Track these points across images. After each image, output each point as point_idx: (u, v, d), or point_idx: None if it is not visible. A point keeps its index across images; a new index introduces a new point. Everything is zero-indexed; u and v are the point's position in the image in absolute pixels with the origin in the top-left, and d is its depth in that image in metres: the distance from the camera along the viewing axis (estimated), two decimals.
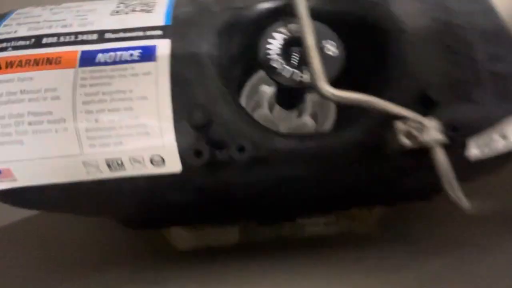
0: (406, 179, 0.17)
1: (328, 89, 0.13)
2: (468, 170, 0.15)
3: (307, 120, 0.23)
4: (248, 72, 0.23)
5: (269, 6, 0.18)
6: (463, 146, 0.14)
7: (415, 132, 0.12)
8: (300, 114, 0.24)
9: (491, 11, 0.16)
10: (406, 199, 0.24)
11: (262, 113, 0.23)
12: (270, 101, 0.24)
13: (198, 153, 0.12)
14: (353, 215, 0.38)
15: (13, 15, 0.16)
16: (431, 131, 0.12)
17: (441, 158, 0.12)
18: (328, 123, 0.23)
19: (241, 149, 0.12)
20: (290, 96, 0.20)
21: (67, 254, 0.29)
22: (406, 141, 0.13)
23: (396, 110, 0.13)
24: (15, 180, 0.14)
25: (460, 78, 0.14)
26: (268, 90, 0.24)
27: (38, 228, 0.30)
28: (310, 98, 0.23)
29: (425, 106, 0.14)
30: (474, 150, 0.16)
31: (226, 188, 0.17)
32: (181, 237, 0.34)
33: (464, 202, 0.12)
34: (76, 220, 0.28)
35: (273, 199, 0.20)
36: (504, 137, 0.16)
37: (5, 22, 0.16)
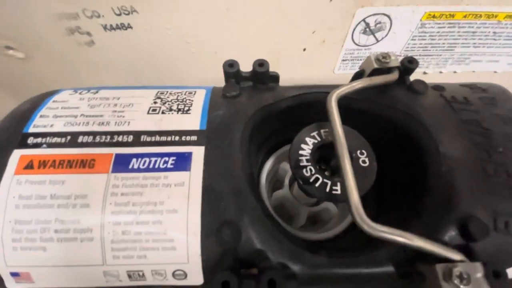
0: None
1: (366, 221, 0.12)
2: None
3: (329, 205, 0.22)
4: (270, 152, 0.23)
5: (301, 101, 0.19)
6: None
7: (457, 280, 0.12)
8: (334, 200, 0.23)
9: None
10: None
11: (283, 193, 0.23)
12: (291, 179, 0.24)
13: (225, 285, 0.12)
14: None
15: (50, 103, 0.16)
16: (477, 279, 0.12)
17: None
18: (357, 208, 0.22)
19: (272, 283, 0.12)
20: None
21: None
22: (446, 286, 0.12)
23: (439, 251, 0.12)
24: (32, 282, 0.14)
25: (501, 209, 0.14)
26: (288, 168, 0.24)
27: None
28: None
29: (464, 237, 0.13)
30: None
31: None
32: None
33: None
34: None
35: None
36: None
37: (41, 112, 0.16)
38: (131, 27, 0.21)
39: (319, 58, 0.24)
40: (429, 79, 0.27)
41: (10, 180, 0.14)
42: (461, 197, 0.14)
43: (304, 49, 0.24)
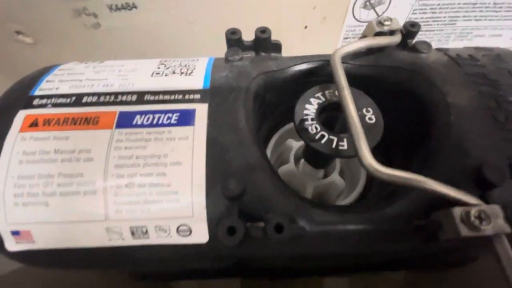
0: (449, 255, 0.15)
1: (376, 167, 0.12)
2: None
3: (336, 178, 0.22)
4: (276, 126, 0.23)
5: (304, 68, 0.19)
6: None
7: (476, 222, 0.11)
8: (327, 171, 0.23)
9: None
10: (443, 267, 0.22)
11: (288, 168, 0.22)
12: (296, 155, 0.24)
13: (231, 231, 0.11)
14: (381, 276, 0.35)
15: (56, 71, 0.17)
16: (498, 221, 0.11)
17: (506, 248, 0.11)
18: (361, 183, 0.22)
19: (279, 228, 0.11)
20: (321, 156, 0.19)
21: None
22: (465, 231, 0.11)
23: (455, 195, 0.11)
24: (33, 242, 0.13)
25: None
26: (294, 144, 0.24)
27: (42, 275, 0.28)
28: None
29: (480, 187, 0.13)
30: None
31: (253, 259, 0.15)
32: None
33: None
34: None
35: (300, 266, 0.18)
36: None
37: (47, 78, 0.16)
38: (135, 7, 0.21)
39: (321, 36, 0.24)
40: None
41: (15, 137, 0.14)
42: (473, 145, 0.13)
43: (306, 27, 0.24)
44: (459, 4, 0.23)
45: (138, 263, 0.15)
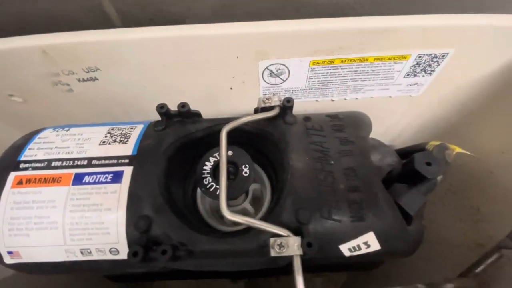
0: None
1: (225, 211, 0.19)
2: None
3: (247, 206, 0.29)
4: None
5: (213, 129, 0.26)
6: (326, 251, 0.20)
7: (278, 248, 0.18)
8: (241, 201, 0.30)
9: (361, 152, 0.23)
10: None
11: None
12: None
13: (135, 254, 0.19)
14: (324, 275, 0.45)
15: (36, 139, 0.24)
16: (293, 247, 0.18)
17: (296, 264, 0.18)
18: (265, 206, 0.29)
19: (164, 252, 0.19)
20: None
21: None
22: (273, 252, 0.19)
23: (271, 229, 0.19)
24: (21, 258, 0.21)
25: (324, 204, 0.20)
26: None
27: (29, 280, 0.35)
28: (252, 188, 0.29)
29: (299, 222, 0.20)
30: (346, 251, 0.21)
31: (159, 270, 0.23)
32: None
33: None
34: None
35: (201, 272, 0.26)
36: (366, 244, 0.21)
37: (30, 146, 0.24)
38: (97, 79, 0.29)
39: (244, 94, 0.32)
40: (336, 105, 0.35)
41: (8, 192, 0.21)
42: (297, 195, 0.21)
43: (231, 88, 0.31)
44: (343, 71, 0.30)
45: (87, 271, 0.22)
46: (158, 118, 0.25)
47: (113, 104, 0.33)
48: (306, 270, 0.33)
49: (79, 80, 0.29)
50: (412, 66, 0.30)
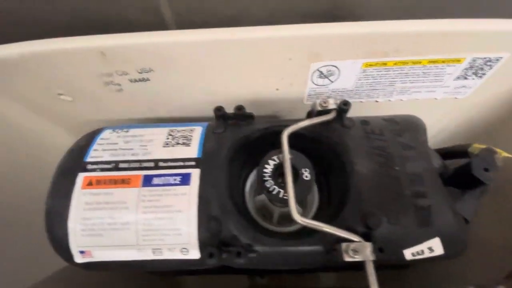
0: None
1: (296, 216, 0.20)
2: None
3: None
4: (252, 167, 0.31)
5: (268, 131, 0.26)
6: (393, 256, 0.21)
7: (352, 253, 0.19)
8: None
9: (422, 156, 0.23)
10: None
11: (261, 198, 0.30)
12: None
13: (210, 255, 0.19)
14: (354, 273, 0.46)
15: (98, 140, 0.25)
16: (366, 252, 0.19)
17: (369, 269, 0.19)
18: (313, 208, 0.29)
19: (239, 254, 0.19)
20: None
21: None
22: (347, 258, 0.19)
23: (342, 234, 0.19)
24: (92, 257, 0.22)
25: (392, 210, 0.21)
26: None
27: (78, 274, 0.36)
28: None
29: (367, 228, 0.21)
30: (409, 255, 0.22)
31: (229, 266, 0.23)
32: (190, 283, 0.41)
33: None
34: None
35: (266, 271, 0.27)
36: (430, 249, 0.22)
37: (94, 147, 0.24)
38: (149, 80, 0.29)
39: (291, 95, 0.32)
40: (380, 106, 0.35)
41: (79, 192, 0.22)
42: (364, 200, 0.21)
43: (277, 89, 0.31)
44: (394, 73, 0.30)
45: (156, 269, 0.23)
46: (196, 116, 0.26)
47: (158, 104, 0.33)
48: (333, 269, 0.33)
49: (131, 80, 0.29)
50: (465, 69, 0.29)
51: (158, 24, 0.29)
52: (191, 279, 0.55)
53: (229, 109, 0.26)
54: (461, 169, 0.25)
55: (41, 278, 0.33)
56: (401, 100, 0.34)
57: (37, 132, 0.35)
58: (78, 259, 0.22)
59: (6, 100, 0.31)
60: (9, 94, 0.31)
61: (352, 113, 0.27)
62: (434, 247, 0.21)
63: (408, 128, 0.24)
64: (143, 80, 0.29)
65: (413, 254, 0.22)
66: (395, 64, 0.29)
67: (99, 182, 0.22)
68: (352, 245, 0.19)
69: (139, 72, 0.28)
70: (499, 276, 0.30)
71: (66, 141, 0.36)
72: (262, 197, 0.31)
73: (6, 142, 0.33)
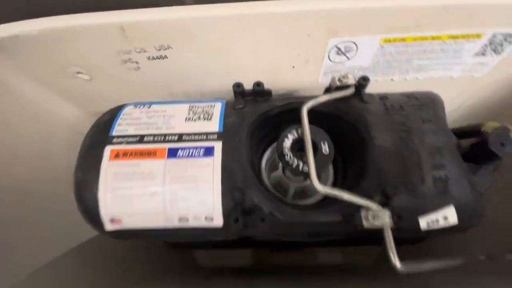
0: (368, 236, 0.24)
1: (318, 185, 0.20)
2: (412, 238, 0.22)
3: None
4: (268, 145, 0.32)
5: (286, 108, 0.27)
6: (410, 224, 0.21)
7: (371, 219, 0.20)
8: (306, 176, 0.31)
9: (441, 131, 0.23)
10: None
11: (278, 174, 0.31)
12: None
13: (236, 221, 0.20)
14: (358, 249, 0.47)
15: (121, 116, 0.25)
16: (384, 219, 0.20)
17: (388, 236, 0.20)
18: (328, 182, 0.30)
19: (263, 219, 0.20)
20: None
21: (119, 268, 0.38)
22: (366, 224, 0.20)
23: (361, 202, 0.20)
24: (121, 225, 0.23)
25: (410, 180, 0.21)
26: None
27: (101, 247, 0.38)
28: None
29: (385, 197, 0.21)
30: (424, 224, 0.23)
31: (250, 236, 0.24)
32: (204, 256, 0.43)
33: (397, 264, 0.19)
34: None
35: (285, 242, 0.28)
36: (445, 218, 0.23)
37: (118, 122, 0.25)
38: (166, 57, 0.29)
39: (306, 73, 0.32)
40: (395, 84, 0.34)
41: (107, 164, 0.23)
42: (383, 171, 0.22)
43: (293, 67, 0.31)
44: (412, 50, 0.30)
45: (181, 237, 0.24)
46: (212, 96, 0.26)
47: (175, 83, 0.33)
48: (349, 242, 0.35)
49: (148, 58, 0.29)
50: (484, 45, 0.29)
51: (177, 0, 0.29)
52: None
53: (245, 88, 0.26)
54: (478, 144, 0.26)
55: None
56: (417, 78, 0.34)
57: (53, 110, 0.36)
58: (108, 226, 0.23)
59: (23, 77, 0.32)
60: (26, 71, 0.31)
61: (367, 91, 0.27)
62: (449, 216, 0.22)
63: (427, 104, 0.25)
64: (161, 57, 0.29)
65: (428, 224, 0.23)
66: (414, 39, 0.28)
67: (126, 154, 0.23)
68: (371, 212, 0.20)
69: (158, 50, 0.28)
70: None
71: (81, 121, 0.37)
72: (277, 173, 0.31)
73: (22, 120, 0.34)
